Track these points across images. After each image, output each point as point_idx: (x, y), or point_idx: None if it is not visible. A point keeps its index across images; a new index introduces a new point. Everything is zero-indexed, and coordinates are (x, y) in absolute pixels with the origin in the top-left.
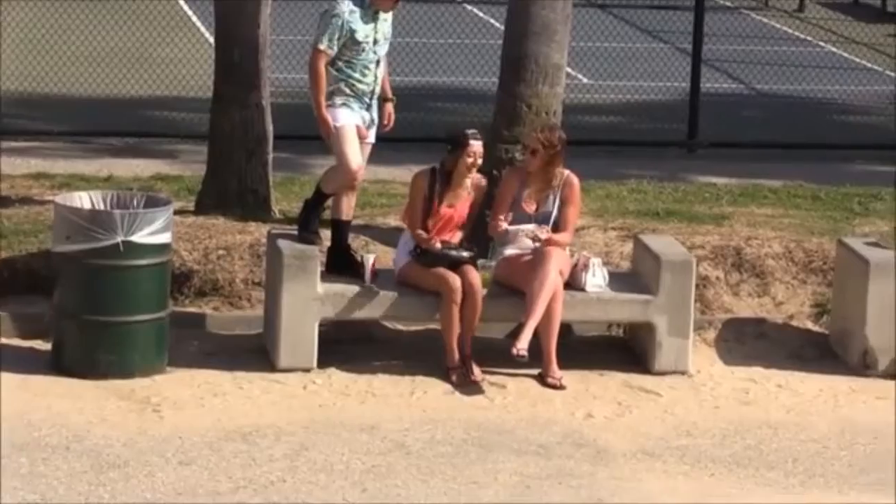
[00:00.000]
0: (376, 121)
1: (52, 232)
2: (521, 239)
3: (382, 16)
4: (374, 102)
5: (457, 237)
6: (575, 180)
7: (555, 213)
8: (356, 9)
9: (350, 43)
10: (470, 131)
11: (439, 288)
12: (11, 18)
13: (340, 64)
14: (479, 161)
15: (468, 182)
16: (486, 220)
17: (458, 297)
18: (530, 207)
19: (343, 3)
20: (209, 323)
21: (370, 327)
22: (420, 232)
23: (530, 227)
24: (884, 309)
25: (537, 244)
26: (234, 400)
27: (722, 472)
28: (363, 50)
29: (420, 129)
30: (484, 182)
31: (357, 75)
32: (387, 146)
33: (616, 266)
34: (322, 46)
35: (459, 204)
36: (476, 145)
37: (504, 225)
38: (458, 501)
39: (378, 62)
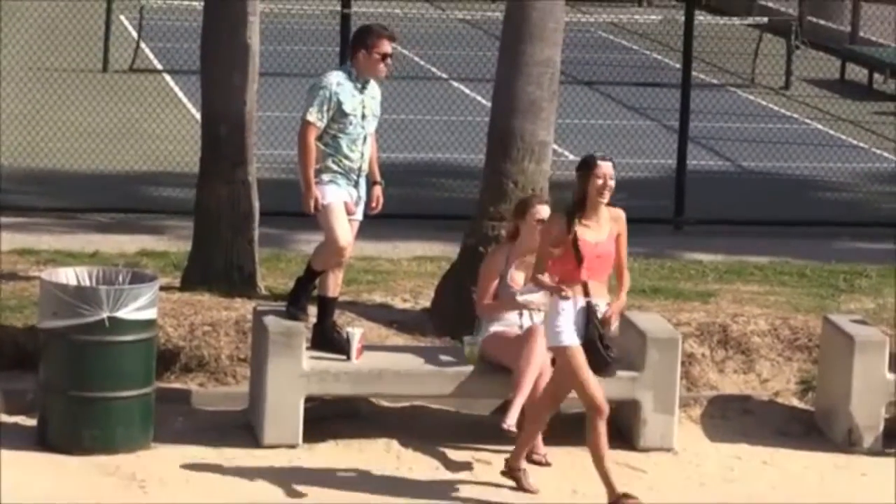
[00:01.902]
0: (363, 197)
1: (37, 308)
2: (507, 316)
3: (371, 91)
4: (362, 179)
5: (604, 283)
6: None
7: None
8: (344, 81)
9: (338, 115)
10: (597, 154)
11: (585, 400)
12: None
13: (328, 138)
14: (611, 183)
15: (605, 213)
16: (472, 297)
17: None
18: (517, 283)
19: (331, 75)
20: (194, 399)
21: (356, 403)
22: (541, 277)
23: (536, 295)
24: (869, 386)
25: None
26: (219, 476)
27: None
28: (351, 123)
29: (407, 205)
30: (623, 216)
31: (345, 150)
32: (373, 223)
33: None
34: (311, 118)
35: (605, 239)
36: (604, 166)
37: (492, 303)
38: None
39: (366, 138)
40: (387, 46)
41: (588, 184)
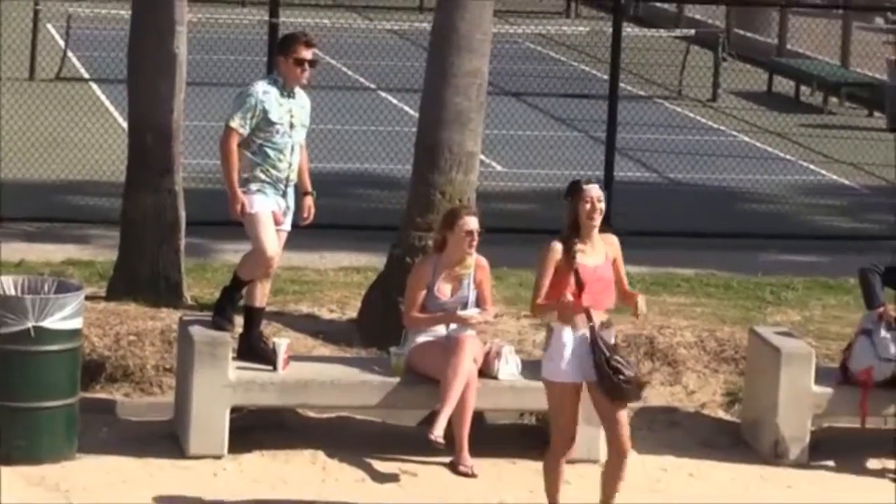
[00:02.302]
0: (292, 207)
1: None
2: (434, 327)
3: (300, 101)
4: (290, 189)
5: (609, 304)
6: (485, 262)
7: (472, 295)
8: (270, 89)
9: (264, 124)
10: (583, 179)
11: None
12: None
13: (255, 147)
14: (600, 206)
15: (598, 238)
16: (398, 307)
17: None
18: (444, 294)
19: (258, 83)
20: (120, 409)
21: (282, 414)
22: (541, 302)
23: (474, 311)
24: (795, 398)
25: (468, 330)
26: (143, 486)
27: None
28: (278, 132)
29: (334, 215)
30: (616, 241)
31: (272, 160)
32: (300, 233)
33: (529, 354)
34: (234, 124)
35: (602, 263)
36: (591, 189)
37: (419, 315)
38: None
39: (293, 148)
40: (304, 52)
41: (578, 209)
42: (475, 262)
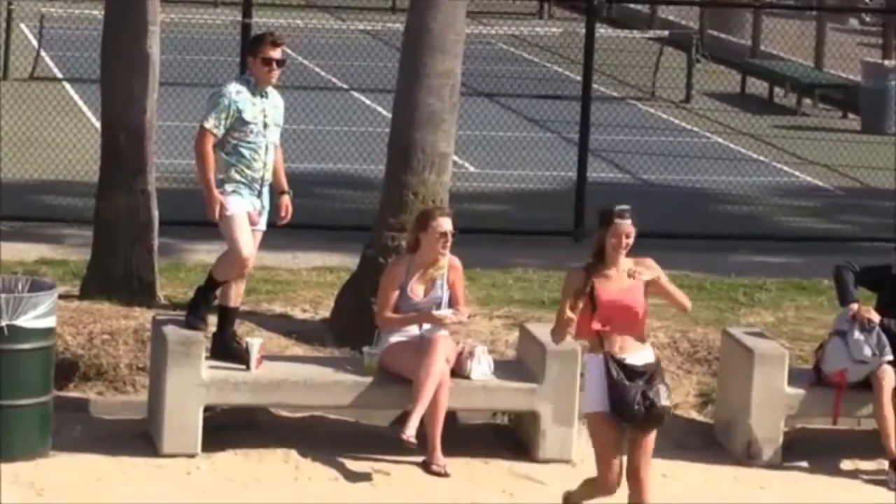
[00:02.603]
0: (267, 207)
1: None
2: (407, 327)
3: (273, 101)
4: (265, 189)
5: (642, 338)
6: (458, 262)
7: (445, 295)
8: (243, 89)
9: (237, 124)
10: (619, 208)
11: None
12: None
13: (229, 147)
14: (627, 241)
15: (627, 262)
16: (371, 308)
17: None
18: (417, 295)
19: (231, 84)
20: (93, 408)
21: (255, 413)
22: (569, 315)
23: (447, 312)
24: (768, 399)
25: (441, 330)
26: (117, 485)
27: None
28: (251, 132)
29: (307, 215)
30: (654, 264)
31: (246, 160)
32: (273, 232)
33: (501, 354)
34: (208, 125)
35: (627, 287)
36: (623, 225)
37: (392, 315)
38: None
39: (268, 148)
40: (272, 52)
41: (605, 240)
42: (448, 263)
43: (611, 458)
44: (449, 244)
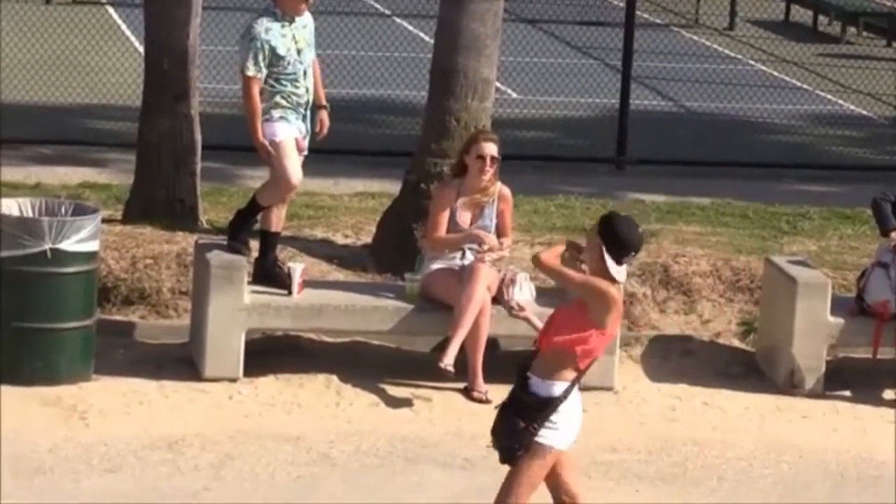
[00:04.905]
0: (310, 131)
1: None
2: (449, 253)
3: (299, 23)
4: (309, 112)
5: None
6: (508, 192)
7: (492, 225)
8: (271, 25)
9: (274, 59)
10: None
11: None
12: None
13: (272, 80)
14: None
15: None
16: (413, 233)
17: None
18: (464, 221)
19: (257, 23)
20: (136, 332)
21: (296, 338)
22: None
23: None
24: (811, 328)
25: (490, 256)
26: (159, 409)
27: (647, 488)
28: (289, 62)
29: (349, 141)
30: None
31: (289, 88)
32: (314, 158)
33: (543, 281)
34: (250, 73)
35: None
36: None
37: (441, 235)
38: None
39: (306, 72)
40: None
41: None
42: (499, 192)
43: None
44: (489, 169)
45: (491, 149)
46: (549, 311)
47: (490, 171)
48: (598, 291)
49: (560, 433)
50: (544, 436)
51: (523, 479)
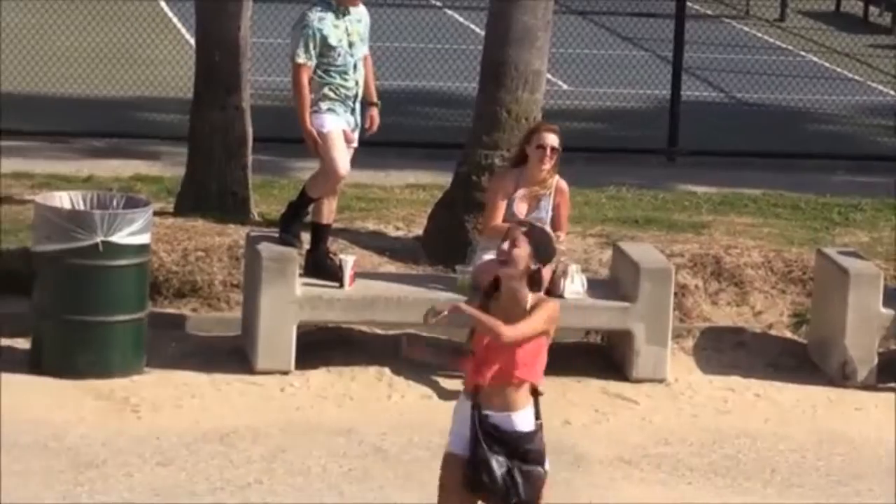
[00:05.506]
0: (360, 124)
1: (32, 231)
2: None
3: (354, 16)
4: (358, 106)
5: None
6: (566, 186)
7: (547, 217)
8: (325, 14)
9: (325, 49)
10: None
11: None
12: None
13: (321, 71)
14: None
15: None
16: (464, 225)
17: None
18: (520, 212)
19: (311, 11)
20: (188, 324)
21: (348, 330)
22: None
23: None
24: (863, 320)
25: None
26: (211, 401)
27: (699, 480)
28: (339, 54)
29: (400, 133)
30: None
31: (338, 80)
32: (365, 150)
33: (594, 273)
34: (300, 60)
35: None
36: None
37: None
38: None
39: (356, 65)
40: None
41: None
42: (556, 185)
43: None
44: (548, 160)
45: (552, 139)
46: (602, 302)
47: (550, 162)
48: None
49: None
50: None
51: None
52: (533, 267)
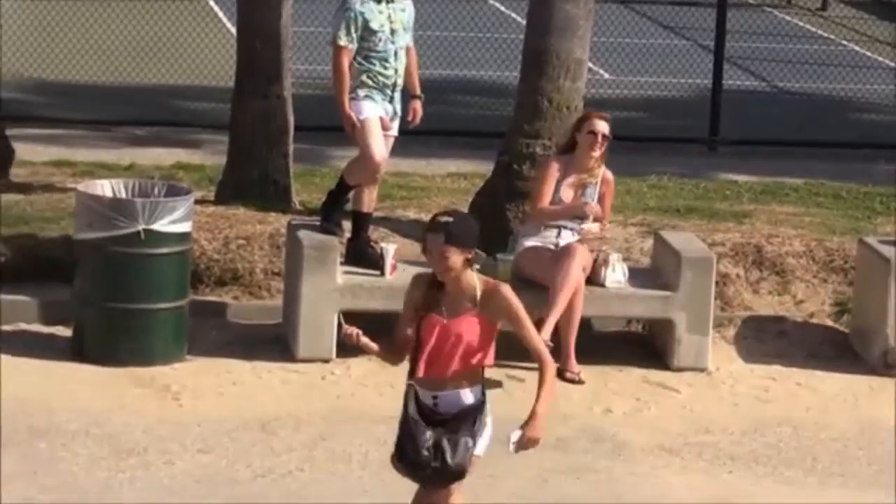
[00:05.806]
0: (399, 113)
1: (73, 219)
2: (544, 232)
3: (398, 5)
4: (398, 94)
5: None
6: (612, 177)
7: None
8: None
9: (366, 34)
10: None
11: None
12: (35, 7)
13: (360, 57)
14: None
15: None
16: (505, 214)
17: None
18: (566, 198)
19: None
20: (229, 312)
21: (389, 319)
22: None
23: (594, 226)
24: None
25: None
26: (252, 389)
27: (741, 469)
28: (380, 40)
29: (441, 122)
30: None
31: (378, 67)
32: (406, 139)
33: (636, 262)
34: (342, 42)
35: None
36: None
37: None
38: (476, 494)
39: (397, 54)
40: None
41: None
42: (602, 175)
43: None
44: (599, 147)
45: (603, 126)
46: (643, 291)
47: (600, 149)
48: None
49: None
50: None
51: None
52: (469, 256)
